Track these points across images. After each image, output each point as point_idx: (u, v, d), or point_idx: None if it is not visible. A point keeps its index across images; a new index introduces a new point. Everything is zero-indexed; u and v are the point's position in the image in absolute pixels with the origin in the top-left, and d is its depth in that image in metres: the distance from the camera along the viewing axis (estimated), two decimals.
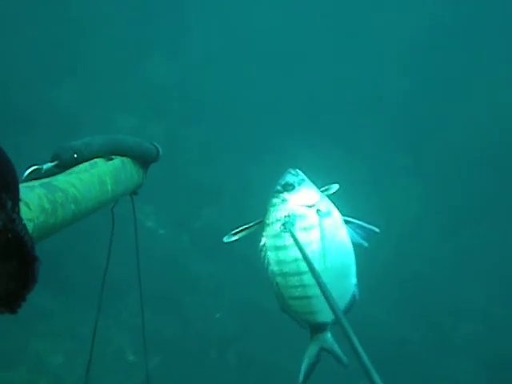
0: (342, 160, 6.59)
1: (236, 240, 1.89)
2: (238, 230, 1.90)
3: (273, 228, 1.86)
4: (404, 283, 6.27)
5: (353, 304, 1.92)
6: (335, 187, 1.94)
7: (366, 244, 1.90)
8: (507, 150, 7.21)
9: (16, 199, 0.88)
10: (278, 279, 1.87)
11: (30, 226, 0.96)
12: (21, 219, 0.84)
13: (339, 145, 6.79)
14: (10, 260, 0.82)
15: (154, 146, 2.02)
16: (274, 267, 1.86)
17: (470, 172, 7.16)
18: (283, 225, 1.85)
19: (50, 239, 1.46)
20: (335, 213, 1.89)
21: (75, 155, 1.71)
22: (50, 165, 1.65)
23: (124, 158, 1.88)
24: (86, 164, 1.73)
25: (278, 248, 1.86)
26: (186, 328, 5.69)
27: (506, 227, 6.81)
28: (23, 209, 0.98)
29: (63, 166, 1.68)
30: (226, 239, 1.89)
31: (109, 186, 1.74)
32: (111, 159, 1.82)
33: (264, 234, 1.87)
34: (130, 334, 5.47)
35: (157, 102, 6.99)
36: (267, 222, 1.87)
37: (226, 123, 6.90)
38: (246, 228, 1.91)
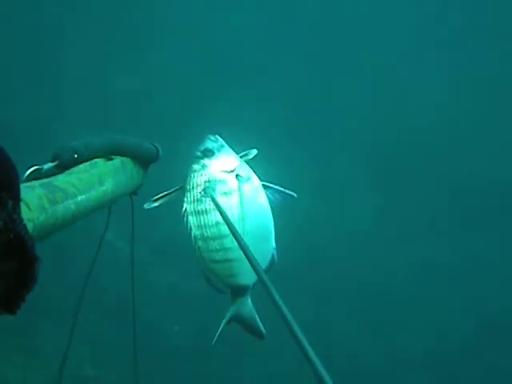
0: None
1: (157, 206, 1.91)
2: (158, 197, 1.92)
3: (193, 193, 1.90)
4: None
5: (271, 266, 1.99)
6: (254, 152, 1.99)
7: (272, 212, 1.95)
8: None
9: (17, 199, 0.88)
10: (200, 243, 1.91)
11: (30, 226, 0.97)
12: (21, 219, 0.84)
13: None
14: (11, 260, 0.82)
15: (154, 146, 2.04)
16: (195, 232, 1.90)
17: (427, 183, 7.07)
18: (204, 190, 1.88)
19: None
20: (254, 178, 1.94)
21: (75, 155, 1.72)
22: (50, 165, 1.66)
23: (124, 158, 1.89)
24: (86, 164, 1.73)
25: (199, 213, 1.89)
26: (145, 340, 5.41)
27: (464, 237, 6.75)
28: (23, 209, 0.98)
29: (64, 166, 1.68)
30: (146, 206, 1.91)
31: (109, 186, 1.75)
32: (111, 159, 1.83)
33: (185, 199, 1.91)
34: (89, 346, 5.25)
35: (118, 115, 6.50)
36: (188, 187, 1.90)
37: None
38: (167, 194, 1.93)
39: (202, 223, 1.89)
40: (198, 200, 1.89)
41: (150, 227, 5.75)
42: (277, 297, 1.08)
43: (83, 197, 1.59)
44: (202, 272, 1.96)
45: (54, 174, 1.62)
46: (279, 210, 1.99)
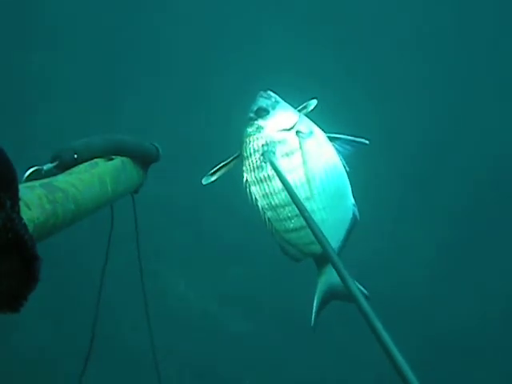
0: None
1: (215, 180, 1.73)
2: (215, 169, 1.74)
3: (252, 160, 1.70)
4: None
5: (354, 225, 1.77)
6: (313, 103, 1.76)
7: (347, 169, 1.73)
8: None
9: (15, 198, 0.88)
10: (269, 214, 1.72)
11: (30, 227, 0.95)
12: (20, 218, 0.85)
13: None
14: (11, 259, 0.83)
15: (154, 146, 2.01)
16: (261, 202, 1.71)
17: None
18: (262, 155, 1.68)
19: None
20: (317, 131, 1.72)
21: (75, 156, 1.70)
22: (50, 166, 1.65)
23: (124, 158, 1.86)
24: (86, 164, 1.72)
25: (261, 181, 1.70)
26: None
27: None
28: (23, 209, 0.98)
29: (64, 166, 1.67)
30: (204, 181, 1.73)
31: (109, 187, 1.73)
32: (111, 159, 1.81)
33: (244, 168, 1.72)
34: None
35: None
36: (245, 154, 1.71)
37: None
38: (224, 165, 1.75)
39: (268, 191, 1.70)
40: (258, 167, 1.69)
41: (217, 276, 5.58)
42: (347, 275, 0.90)
43: (83, 197, 1.56)
44: (278, 245, 1.77)
45: (54, 175, 1.60)
46: (353, 161, 1.77)
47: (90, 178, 1.66)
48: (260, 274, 5.46)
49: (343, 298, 1.73)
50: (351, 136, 1.75)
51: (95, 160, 1.76)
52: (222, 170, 1.75)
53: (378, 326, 0.82)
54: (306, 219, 1.16)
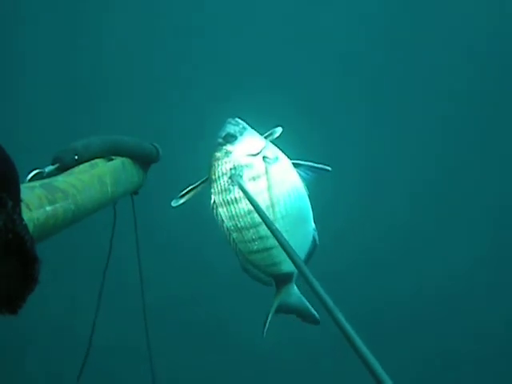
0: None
1: (184, 203, 1.80)
2: (184, 192, 1.81)
3: (220, 183, 1.77)
4: None
5: (314, 249, 1.85)
6: (278, 131, 1.85)
7: (307, 192, 1.83)
8: None
9: (17, 199, 0.88)
10: (234, 235, 1.79)
11: (29, 227, 0.92)
12: (21, 219, 0.84)
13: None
14: (11, 260, 0.82)
15: (154, 146, 2.02)
16: (227, 223, 1.78)
17: None
18: (230, 178, 1.76)
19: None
20: (282, 157, 1.81)
21: (76, 157, 1.71)
22: (51, 168, 1.66)
23: (124, 159, 1.88)
24: (86, 164, 1.73)
25: (228, 203, 1.77)
26: None
27: None
28: (23, 209, 0.98)
29: (65, 168, 1.68)
30: (173, 203, 1.80)
31: (109, 187, 1.74)
32: (111, 160, 1.82)
33: (212, 190, 1.79)
34: None
35: None
36: (213, 177, 1.78)
37: None
38: (193, 188, 1.82)
39: (234, 213, 1.77)
40: (225, 189, 1.77)
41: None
42: (318, 287, 0.97)
43: (83, 197, 1.57)
44: (241, 265, 1.84)
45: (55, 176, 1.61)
46: (314, 187, 1.85)
47: (89, 179, 1.67)
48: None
49: (297, 315, 1.84)
50: (314, 162, 1.84)
51: (95, 160, 1.77)
52: (191, 193, 1.81)
53: (349, 329, 0.86)
54: (272, 232, 1.24)
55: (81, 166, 1.70)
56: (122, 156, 1.87)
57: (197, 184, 1.82)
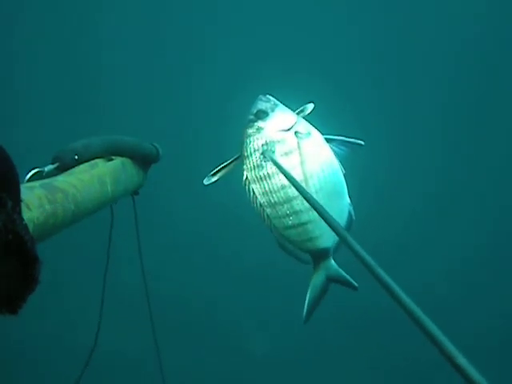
0: None
1: (217, 180, 1.79)
2: (216, 170, 1.80)
3: (252, 159, 1.76)
4: None
5: (350, 224, 1.83)
6: (310, 107, 1.83)
7: (343, 170, 1.80)
8: None
9: (17, 199, 0.87)
10: (268, 211, 1.78)
11: (29, 227, 0.92)
12: (21, 219, 0.84)
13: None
14: (11, 260, 0.82)
15: (154, 146, 2.02)
16: (261, 199, 1.77)
17: None
18: (262, 154, 1.74)
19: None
20: (315, 132, 1.79)
21: (76, 157, 1.71)
22: (51, 167, 1.66)
23: (124, 159, 1.87)
24: (86, 164, 1.72)
25: (261, 179, 1.76)
26: None
27: None
28: (23, 209, 0.97)
29: (64, 168, 1.68)
30: (205, 181, 1.79)
31: (109, 187, 1.73)
32: (111, 160, 1.82)
33: (244, 167, 1.78)
34: None
35: None
36: (245, 154, 1.77)
37: None
38: (225, 166, 1.81)
39: (267, 189, 1.76)
40: (258, 166, 1.76)
41: None
42: (364, 254, 0.95)
43: (83, 197, 1.57)
44: (277, 242, 1.83)
45: (55, 176, 1.60)
46: (349, 161, 1.83)
47: (89, 179, 1.66)
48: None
49: (341, 283, 1.81)
50: (347, 137, 1.81)
51: (95, 160, 1.77)
52: (223, 171, 1.81)
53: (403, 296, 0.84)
54: (311, 204, 1.22)
55: (81, 166, 1.70)
56: (122, 156, 1.87)
57: (229, 161, 1.81)
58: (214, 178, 1.80)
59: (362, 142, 1.80)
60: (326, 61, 5.66)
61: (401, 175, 5.69)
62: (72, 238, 2.24)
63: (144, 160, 1.99)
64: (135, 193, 2.02)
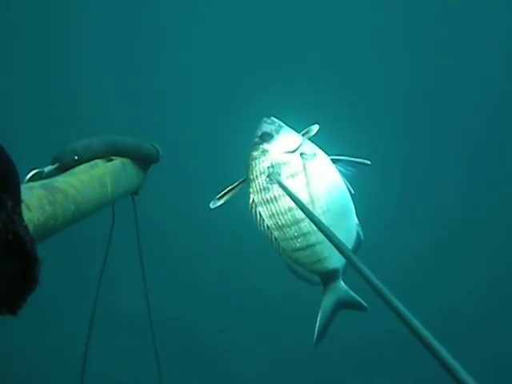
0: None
1: (223, 204, 1.78)
2: (222, 193, 1.79)
3: (258, 182, 1.75)
4: None
5: (359, 245, 1.82)
6: (315, 128, 1.83)
7: (352, 190, 1.79)
8: None
9: (17, 199, 0.87)
10: (276, 233, 1.76)
11: (30, 227, 0.92)
12: (22, 220, 0.83)
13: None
14: (11, 261, 0.82)
15: (154, 146, 2.02)
16: (268, 222, 1.76)
17: None
18: (268, 176, 1.74)
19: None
20: (320, 154, 1.78)
21: (76, 157, 1.71)
22: (51, 168, 1.65)
23: (124, 159, 1.87)
24: (86, 165, 1.72)
25: (267, 201, 1.75)
26: None
27: None
28: (23, 210, 0.96)
29: (64, 168, 1.67)
30: (212, 205, 1.78)
31: (109, 187, 1.73)
32: (111, 160, 1.81)
33: (251, 190, 1.77)
34: None
35: None
36: (251, 177, 1.76)
37: None
38: (231, 189, 1.80)
39: (274, 211, 1.75)
40: (264, 188, 1.75)
41: None
42: (370, 275, 0.93)
43: (83, 198, 1.56)
44: (286, 265, 1.82)
45: (54, 176, 1.60)
46: (355, 182, 1.82)
47: (89, 179, 1.66)
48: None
49: (351, 307, 1.78)
50: (353, 157, 1.80)
51: (95, 161, 1.76)
52: (229, 194, 1.80)
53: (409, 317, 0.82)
54: (318, 226, 1.20)
55: (81, 167, 1.69)
56: (122, 156, 1.86)
57: (234, 184, 1.81)
58: (220, 202, 1.79)
59: (369, 162, 1.79)
60: (335, 78, 5.63)
61: (415, 195, 5.65)
62: (70, 244, 2.22)
63: (144, 160, 1.98)
64: (135, 193, 2.02)
